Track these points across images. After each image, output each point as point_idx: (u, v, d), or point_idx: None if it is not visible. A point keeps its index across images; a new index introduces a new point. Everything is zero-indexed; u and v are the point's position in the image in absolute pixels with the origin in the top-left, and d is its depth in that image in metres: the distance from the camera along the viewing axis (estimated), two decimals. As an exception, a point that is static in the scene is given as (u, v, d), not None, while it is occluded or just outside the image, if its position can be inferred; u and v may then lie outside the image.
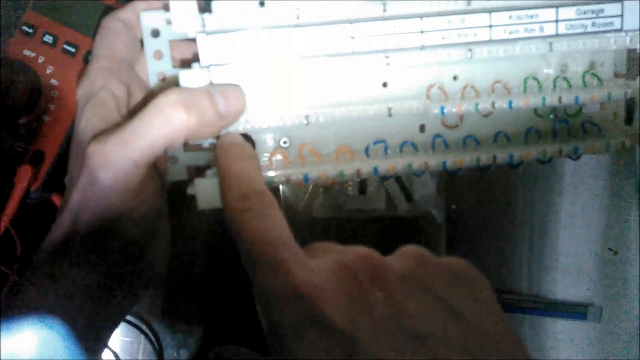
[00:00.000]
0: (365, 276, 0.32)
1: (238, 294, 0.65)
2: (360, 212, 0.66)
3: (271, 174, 0.45)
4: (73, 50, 0.51)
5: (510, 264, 0.70)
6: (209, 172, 0.44)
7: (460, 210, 0.68)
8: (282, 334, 0.31)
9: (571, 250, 0.69)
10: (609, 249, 0.69)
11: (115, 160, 0.39)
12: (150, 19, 0.45)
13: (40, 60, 0.51)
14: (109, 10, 0.50)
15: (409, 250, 0.35)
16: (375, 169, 0.44)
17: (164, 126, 0.39)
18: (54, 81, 0.51)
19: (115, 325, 0.46)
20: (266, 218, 0.35)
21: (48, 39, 0.51)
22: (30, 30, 0.51)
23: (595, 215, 0.69)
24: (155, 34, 0.45)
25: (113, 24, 0.45)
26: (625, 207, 0.69)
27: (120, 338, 0.66)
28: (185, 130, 0.40)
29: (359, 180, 0.63)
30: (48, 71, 0.51)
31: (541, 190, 0.69)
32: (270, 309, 0.32)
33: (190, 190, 0.44)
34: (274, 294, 0.32)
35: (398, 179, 0.66)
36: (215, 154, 0.41)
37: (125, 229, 0.42)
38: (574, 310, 0.69)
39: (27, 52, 0.51)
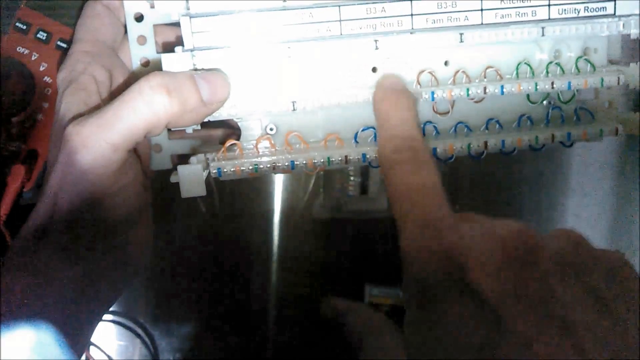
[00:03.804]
0: (519, 252, 0.31)
1: (234, 296, 0.64)
2: (361, 212, 0.65)
3: (257, 161, 0.44)
4: (67, 47, 0.50)
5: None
6: (193, 159, 0.44)
7: (464, 210, 0.66)
8: (429, 291, 0.31)
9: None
10: (615, 250, 0.67)
11: (94, 143, 0.38)
12: (133, 3, 0.44)
13: (33, 57, 0.51)
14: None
15: (565, 233, 0.34)
16: (364, 155, 0.44)
17: (145, 109, 0.38)
18: (47, 78, 0.51)
19: (98, 320, 0.45)
20: (419, 174, 0.36)
21: (42, 35, 0.51)
22: (24, 27, 0.51)
23: (601, 216, 0.68)
24: (139, 18, 0.44)
25: (96, 7, 0.45)
26: (632, 208, 0.67)
27: (116, 342, 0.65)
28: (167, 115, 0.39)
29: (356, 176, 0.62)
30: (42, 68, 0.51)
31: (546, 191, 0.68)
32: (418, 265, 0.32)
33: (173, 179, 0.43)
34: (424, 251, 0.32)
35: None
36: (374, 97, 0.41)
37: (104, 216, 0.41)
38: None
39: (20, 49, 0.51)
